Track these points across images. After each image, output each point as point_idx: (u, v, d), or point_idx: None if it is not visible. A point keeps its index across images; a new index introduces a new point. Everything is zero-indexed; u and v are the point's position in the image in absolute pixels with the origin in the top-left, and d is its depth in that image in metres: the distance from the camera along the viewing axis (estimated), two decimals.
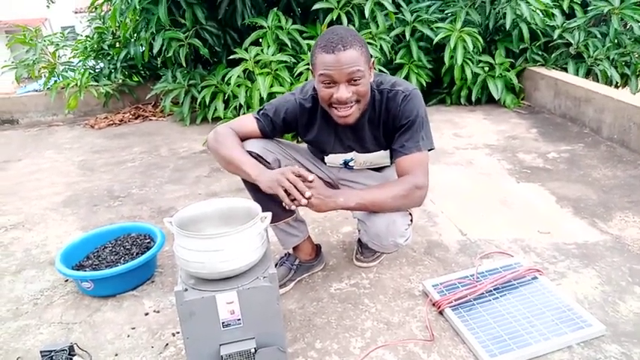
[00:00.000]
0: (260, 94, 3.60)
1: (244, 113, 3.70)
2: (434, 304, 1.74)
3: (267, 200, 1.65)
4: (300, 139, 1.90)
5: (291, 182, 1.45)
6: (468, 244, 2.15)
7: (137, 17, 4.23)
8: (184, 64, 4.13)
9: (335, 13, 3.89)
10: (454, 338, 1.60)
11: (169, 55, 4.04)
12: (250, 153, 1.64)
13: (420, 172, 1.58)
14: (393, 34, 4.17)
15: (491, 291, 1.77)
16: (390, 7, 4.00)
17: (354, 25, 3.99)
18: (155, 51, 4.08)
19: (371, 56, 1.57)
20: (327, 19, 3.90)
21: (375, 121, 1.66)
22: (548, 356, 1.51)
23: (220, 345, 1.40)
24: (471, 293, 1.74)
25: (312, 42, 3.89)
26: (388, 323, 1.69)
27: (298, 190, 1.45)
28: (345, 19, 3.89)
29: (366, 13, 3.90)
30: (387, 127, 1.66)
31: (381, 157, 1.78)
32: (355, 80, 1.49)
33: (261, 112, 1.73)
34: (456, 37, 3.98)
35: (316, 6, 3.91)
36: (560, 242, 2.12)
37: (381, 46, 3.99)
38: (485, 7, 4.26)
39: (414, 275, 1.95)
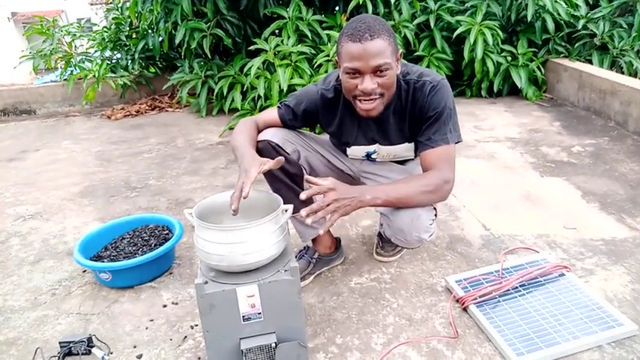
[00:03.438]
0: (280, 86, 3.55)
1: (262, 105, 3.67)
2: (458, 301, 1.70)
3: (286, 191, 1.63)
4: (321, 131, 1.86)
5: (235, 189, 1.37)
6: (492, 239, 2.09)
7: (158, 8, 4.21)
8: (208, 55, 4.10)
9: None
10: (479, 336, 1.56)
11: (193, 46, 4.01)
12: (270, 143, 1.62)
13: (447, 166, 1.53)
14: (416, 22, 4.10)
15: (517, 288, 1.72)
16: None
17: (377, 13, 3.93)
18: (177, 41, 4.05)
19: (398, 48, 1.51)
20: (351, 5, 3.84)
21: (401, 112, 1.61)
22: (578, 356, 1.45)
23: (240, 339, 1.37)
24: (497, 290, 1.69)
25: (331, 32, 3.84)
26: (410, 319, 1.65)
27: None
28: (369, 6, 3.83)
29: None
30: (414, 119, 1.60)
31: (405, 149, 1.73)
32: (381, 72, 1.44)
33: (284, 102, 1.71)
34: (476, 30, 3.90)
35: None
36: (587, 238, 2.06)
37: (405, 34, 3.92)
38: None
39: (436, 270, 1.91)
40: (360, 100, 1.51)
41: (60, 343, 1.56)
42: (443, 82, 1.56)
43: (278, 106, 1.72)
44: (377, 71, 1.44)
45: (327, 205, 1.37)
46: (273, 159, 1.58)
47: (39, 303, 1.87)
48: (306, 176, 1.44)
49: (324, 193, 1.39)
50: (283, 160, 1.47)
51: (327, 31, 3.87)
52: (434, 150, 1.55)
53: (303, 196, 1.36)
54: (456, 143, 1.58)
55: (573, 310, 1.60)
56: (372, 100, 1.49)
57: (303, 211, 1.35)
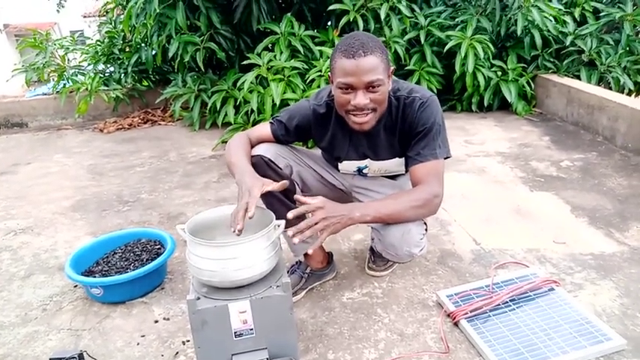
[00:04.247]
0: (273, 101, 3.58)
1: (255, 119, 3.69)
2: (449, 315, 1.71)
3: (278, 206, 1.64)
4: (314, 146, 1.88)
5: (238, 208, 1.36)
6: (482, 254, 2.11)
7: (151, 22, 4.24)
8: (202, 69, 4.12)
9: (351, 15, 3.88)
10: (470, 351, 1.57)
11: (186, 59, 4.03)
12: (262, 158, 1.63)
13: (435, 180, 1.55)
14: (406, 37, 4.15)
15: (507, 302, 1.73)
16: (406, 12, 4.00)
17: (368, 29, 3.98)
18: (170, 55, 4.07)
19: (390, 65, 1.54)
20: (342, 22, 3.89)
21: (392, 127, 1.64)
22: None
23: (232, 355, 1.37)
24: (487, 304, 1.70)
25: (323, 48, 3.88)
26: (402, 334, 1.66)
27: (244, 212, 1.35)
28: (360, 22, 3.88)
29: (382, 15, 3.89)
30: (404, 134, 1.63)
31: (396, 164, 1.75)
32: (373, 87, 1.47)
33: (276, 117, 1.73)
34: (466, 44, 3.95)
35: (332, 7, 3.92)
36: (576, 253, 2.08)
37: (395, 50, 3.97)
38: (495, 14, 4.24)
39: (427, 285, 1.92)
40: (353, 114, 1.53)
41: (50, 359, 1.55)
42: (432, 99, 1.59)
43: (270, 122, 1.73)
44: (369, 87, 1.47)
45: (315, 224, 1.38)
46: (266, 174, 1.60)
47: (29, 319, 1.86)
48: (295, 196, 1.45)
49: (312, 212, 1.40)
50: (287, 183, 1.48)
51: (319, 47, 3.91)
52: (423, 165, 1.57)
53: (290, 215, 1.38)
54: (445, 159, 1.61)
55: (563, 324, 1.62)
56: (364, 114, 1.51)
57: (290, 231, 1.36)
